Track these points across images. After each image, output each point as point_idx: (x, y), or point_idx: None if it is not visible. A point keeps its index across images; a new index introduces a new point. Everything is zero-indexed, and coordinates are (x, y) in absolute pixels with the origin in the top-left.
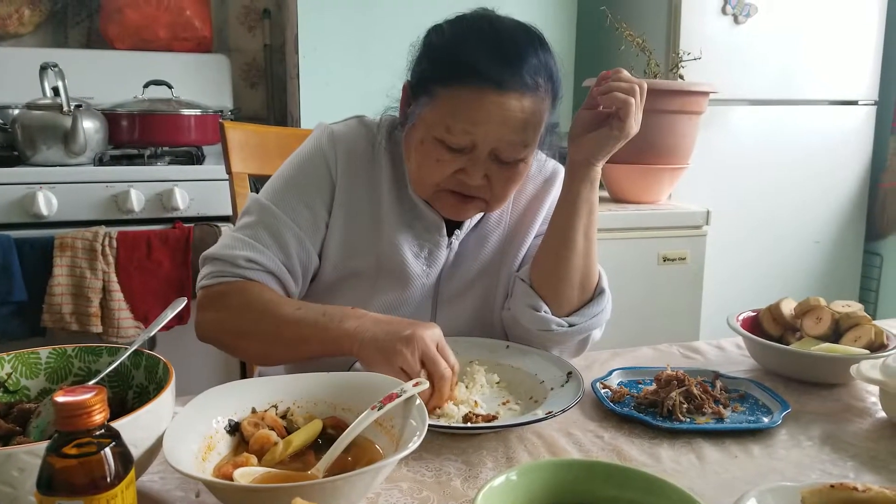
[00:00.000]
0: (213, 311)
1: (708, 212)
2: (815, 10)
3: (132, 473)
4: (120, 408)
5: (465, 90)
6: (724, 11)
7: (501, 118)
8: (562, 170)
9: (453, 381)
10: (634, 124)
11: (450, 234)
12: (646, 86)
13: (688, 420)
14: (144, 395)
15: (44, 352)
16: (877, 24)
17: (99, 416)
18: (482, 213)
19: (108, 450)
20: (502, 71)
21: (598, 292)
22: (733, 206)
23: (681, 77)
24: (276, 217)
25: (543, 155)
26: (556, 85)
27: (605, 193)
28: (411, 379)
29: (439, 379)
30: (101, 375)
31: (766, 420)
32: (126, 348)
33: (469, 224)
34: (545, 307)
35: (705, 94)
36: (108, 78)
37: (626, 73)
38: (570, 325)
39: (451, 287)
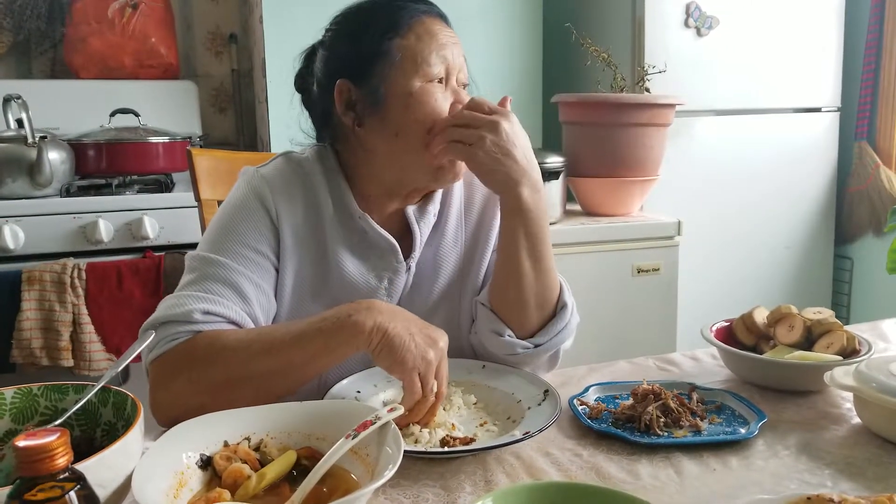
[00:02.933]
0: (179, 376)
1: (679, 222)
2: (776, 20)
3: None
4: (88, 447)
5: (417, 26)
6: (686, 24)
7: (450, 37)
8: None
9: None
10: (479, 151)
11: (405, 257)
12: (457, 114)
13: (665, 434)
14: (113, 433)
15: (8, 392)
16: (836, 31)
17: (62, 460)
18: (433, 226)
19: (72, 493)
20: (418, 1)
21: (560, 307)
22: (704, 215)
23: (647, 90)
24: (224, 266)
25: None
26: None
27: (577, 207)
28: (419, 385)
29: (439, 396)
30: (68, 414)
31: (742, 431)
32: (93, 385)
33: (421, 242)
34: (508, 331)
35: (671, 106)
36: (74, 108)
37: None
38: (536, 346)
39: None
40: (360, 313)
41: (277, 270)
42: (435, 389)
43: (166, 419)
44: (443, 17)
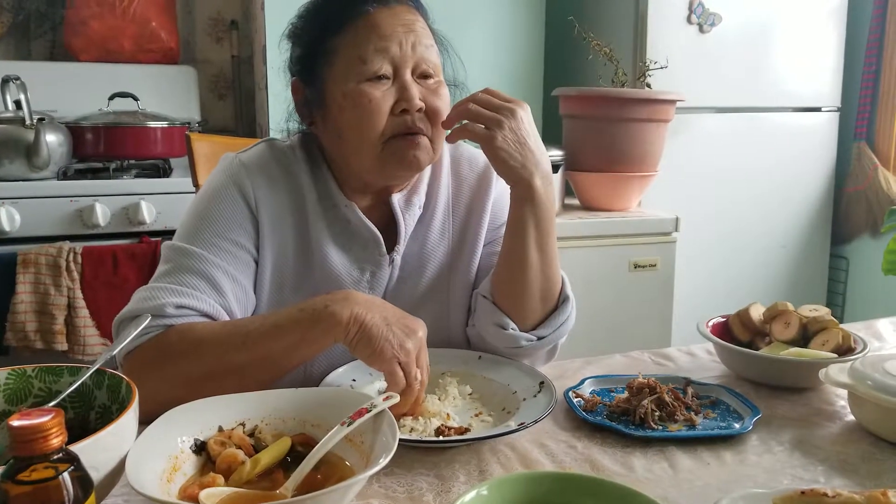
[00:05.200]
0: (153, 371)
1: (677, 218)
2: (778, 19)
3: (92, 498)
4: (82, 429)
5: (358, 21)
6: (689, 21)
7: (404, 27)
8: None
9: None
10: (497, 134)
11: (389, 249)
12: (473, 95)
13: (660, 428)
14: (107, 416)
15: (2, 373)
16: (838, 32)
17: (56, 440)
18: (419, 219)
19: (66, 475)
20: None
21: (562, 300)
22: (702, 212)
23: (648, 86)
24: (199, 257)
25: (472, 147)
26: (425, 11)
27: (575, 201)
28: (402, 375)
29: (422, 385)
30: (62, 396)
31: (737, 426)
32: (87, 368)
33: (405, 235)
34: (511, 324)
35: (672, 102)
36: (73, 90)
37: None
38: (539, 339)
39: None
40: (337, 304)
41: (256, 262)
42: (418, 378)
43: (141, 414)
44: (406, 2)
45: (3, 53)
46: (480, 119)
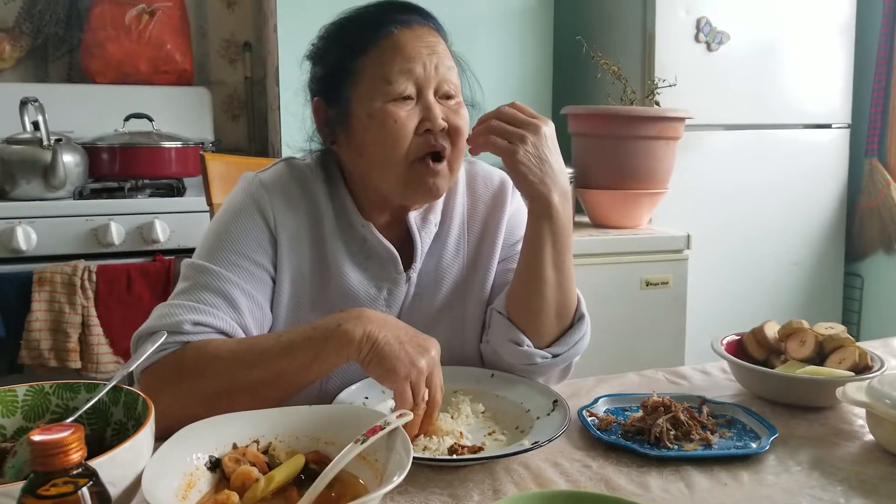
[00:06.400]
0: (169, 387)
1: (688, 236)
2: (786, 36)
3: None
4: (98, 445)
5: (382, 42)
6: (697, 39)
7: (427, 48)
8: (508, 180)
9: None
10: (519, 149)
11: (405, 267)
12: (499, 109)
13: (675, 447)
14: (123, 432)
15: (21, 389)
16: (846, 48)
17: (76, 455)
18: (435, 236)
19: (85, 489)
20: (399, 12)
21: (577, 318)
22: (713, 229)
23: (657, 103)
24: (217, 275)
25: (486, 165)
26: (445, 34)
27: (586, 219)
28: (412, 394)
29: (436, 404)
30: (79, 413)
31: (754, 445)
32: (104, 384)
33: (422, 253)
34: (527, 341)
35: (681, 119)
36: (89, 112)
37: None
38: (554, 356)
39: (412, 326)
40: (350, 322)
41: (274, 281)
42: (426, 398)
43: (157, 430)
44: (428, 24)
45: (22, 76)
46: (505, 134)
